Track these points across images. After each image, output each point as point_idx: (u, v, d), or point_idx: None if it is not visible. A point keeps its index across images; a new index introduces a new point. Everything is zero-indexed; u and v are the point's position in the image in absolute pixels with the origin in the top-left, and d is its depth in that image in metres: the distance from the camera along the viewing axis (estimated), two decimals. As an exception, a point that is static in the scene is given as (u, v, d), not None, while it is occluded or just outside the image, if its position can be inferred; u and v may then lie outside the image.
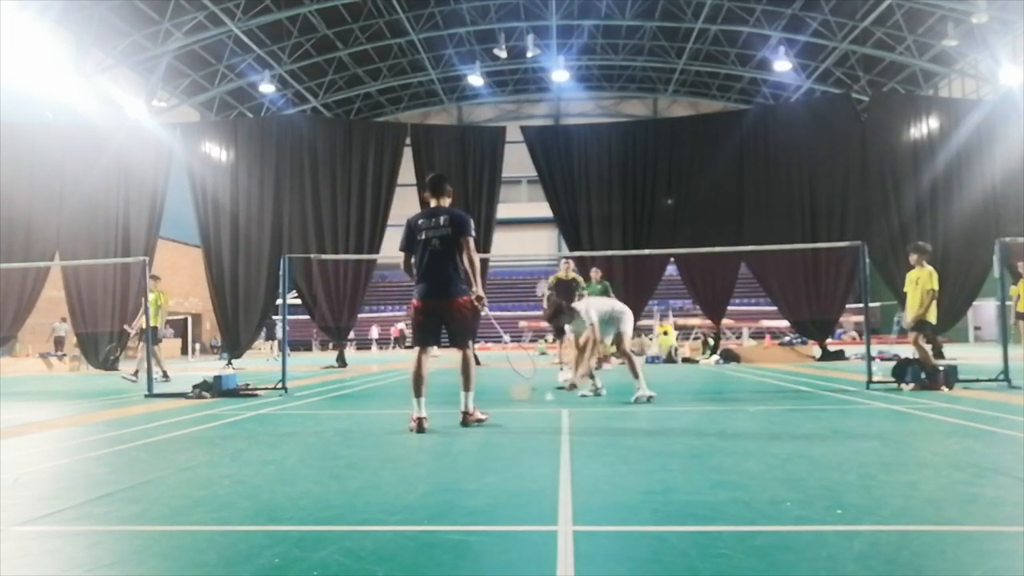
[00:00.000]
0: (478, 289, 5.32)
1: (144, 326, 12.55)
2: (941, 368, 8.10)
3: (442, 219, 5.31)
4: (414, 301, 5.36)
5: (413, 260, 5.41)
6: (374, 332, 38.29)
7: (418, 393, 5.20)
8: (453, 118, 44.27)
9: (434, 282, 5.28)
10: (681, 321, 19.73)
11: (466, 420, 5.38)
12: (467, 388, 5.42)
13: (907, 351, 9.12)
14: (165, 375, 12.24)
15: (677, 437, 4.82)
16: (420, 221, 5.38)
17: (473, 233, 5.35)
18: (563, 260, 12.18)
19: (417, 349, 5.37)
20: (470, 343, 5.54)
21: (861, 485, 3.18)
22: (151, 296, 12.58)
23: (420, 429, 5.07)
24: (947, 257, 14.24)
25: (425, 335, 5.37)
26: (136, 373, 12.35)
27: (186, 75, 31.85)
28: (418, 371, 5.24)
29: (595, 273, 12.85)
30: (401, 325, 36.51)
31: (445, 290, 5.27)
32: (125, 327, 13.93)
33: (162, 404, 7.62)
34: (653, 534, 2.48)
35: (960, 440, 4.49)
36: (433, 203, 5.46)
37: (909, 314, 8.46)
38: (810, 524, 2.56)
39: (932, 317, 8.30)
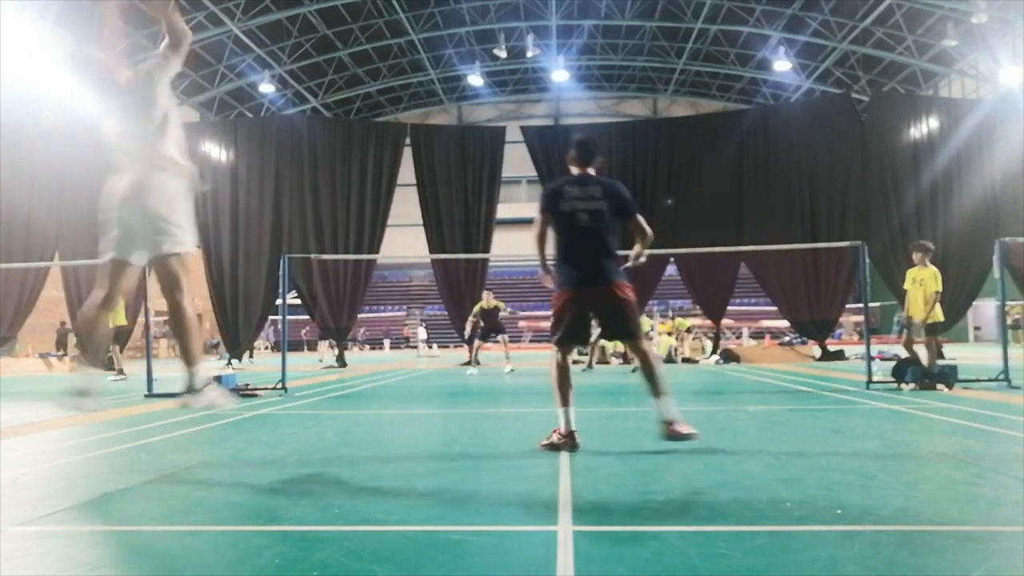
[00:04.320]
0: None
1: (117, 324, 12.68)
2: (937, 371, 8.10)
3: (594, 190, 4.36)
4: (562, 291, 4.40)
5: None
6: (422, 334, 33.79)
7: (567, 401, 4.25)
8: (453, 118, 44.26)
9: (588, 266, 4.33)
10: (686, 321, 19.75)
11: (672, 432, 4.10)
12: (659, 393, 4.20)
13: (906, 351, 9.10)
14: (121, 372, 12.51)
15: (677, 437, 4.82)
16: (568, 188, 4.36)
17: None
18: (484, 292, 13.93)
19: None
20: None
21: (861, 485, 3.18)
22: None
23: (574, 447, 4.16)
24: (947, 257, 14.22)
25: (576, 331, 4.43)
26: (121, 371, 12.46)
27: (186, 75, 31.84)
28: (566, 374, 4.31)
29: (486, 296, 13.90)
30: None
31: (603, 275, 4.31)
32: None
33: (162, 404, 7.62)
34: (653, 534, 2.48)
35: (960, 440, 4.48)
36: (576, 170, 4.45)
37: (914, 315, 8.44)
38: (810, 524, 2.56)
39: (941, 316, 8.33)
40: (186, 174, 3.64)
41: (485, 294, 13.80)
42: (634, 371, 12.89)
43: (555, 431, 4.23)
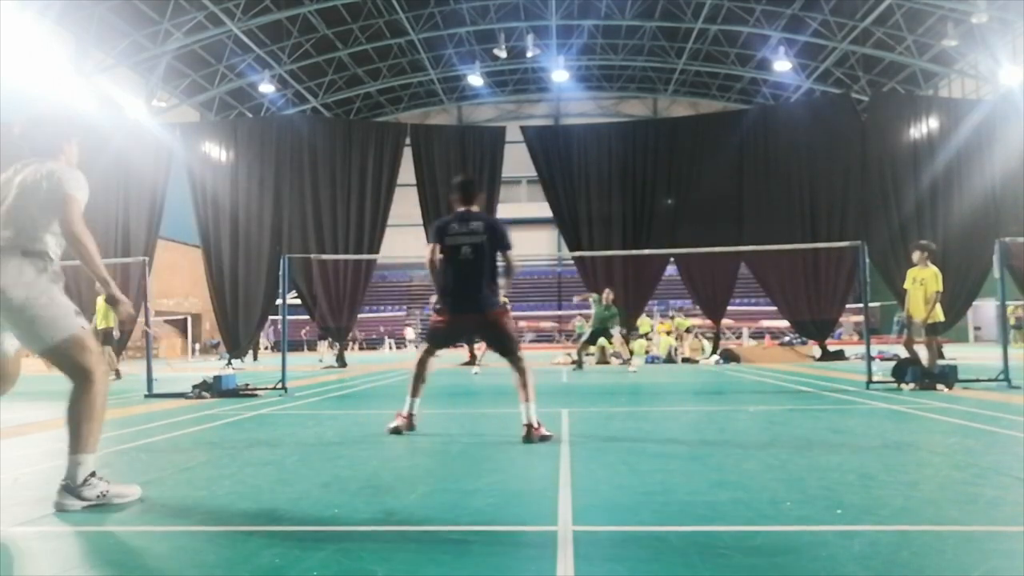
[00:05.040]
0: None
1: (106, 326, 12.64)
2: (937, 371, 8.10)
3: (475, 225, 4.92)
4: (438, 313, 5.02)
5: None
6: (410, 333, 35.92)
7: (417, 393, 5.01)
8: (453, 118, 44.27)
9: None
10: (686, 321, 19.78)
11: (530, 435, 4.56)
12: (527, 398, 4.72)
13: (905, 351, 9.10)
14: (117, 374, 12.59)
15: (677, 437, 4.82)
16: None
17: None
18: None
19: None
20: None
21: (861, 485, 3.18)
22: (100, 298, 12.70)
23: (411, 427, 4.92)
24: (947, 257, 14.23)
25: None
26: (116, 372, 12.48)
27: (186, 75, 31.85)
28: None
29: (608, 295, 13.78)
30: None
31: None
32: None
33: (162, 404, 7.62)
34: (653, 534, 2.48)
35: (960, 440, 4.49)
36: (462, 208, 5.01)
37: (915, 315, 8.43)
38: (810, 524, 2.56)
39: (941, 316, 8.33)
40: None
41: None
42: (634, 372, 12.99)
43: (398, 414, 4.91)
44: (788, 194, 16.10)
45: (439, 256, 4.93)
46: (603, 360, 16.46)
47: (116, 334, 13.00)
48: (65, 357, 2.96)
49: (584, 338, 14.57)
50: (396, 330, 41.12)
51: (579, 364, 14.22)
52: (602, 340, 15.01)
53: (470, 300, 4.83)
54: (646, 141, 17.08)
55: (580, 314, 22.70)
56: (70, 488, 2.94)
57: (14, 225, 2.98)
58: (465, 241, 4.81)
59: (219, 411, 6.82)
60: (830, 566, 2.09)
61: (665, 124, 20.53)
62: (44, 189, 3.02)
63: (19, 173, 3.12)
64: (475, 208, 4.98)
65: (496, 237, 4.86)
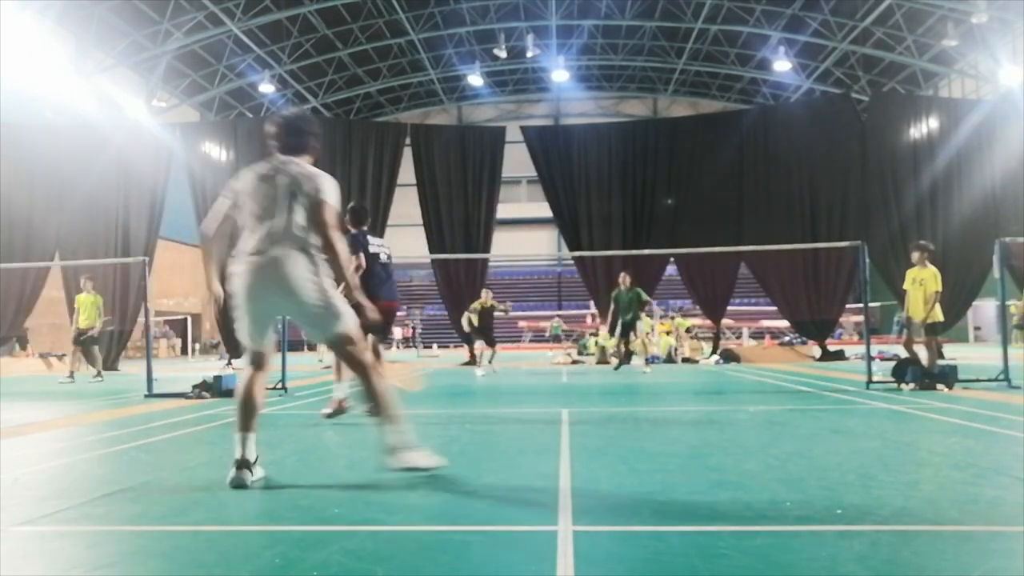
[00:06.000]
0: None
1: (88, 325, 12.36)
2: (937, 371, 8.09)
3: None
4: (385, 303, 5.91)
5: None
6: (398, 334, 36.17)
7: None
8: (453, 118, 44.27)
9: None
10: (685, 321, 19.78)
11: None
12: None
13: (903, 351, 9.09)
14: (99, 374, 12.27)
15: (677, 437, 4.82)
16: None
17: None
18: (484, 290, 14.09)
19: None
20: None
21: (861, 485, 3.18)
22: (89, 298, 12.49)
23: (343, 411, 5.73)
24: (947, 257, 14.21)
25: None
26: (71, 375, 12.08)
27: (186, 75, 31.85)
28: None
29: (623, 279, 13.50)
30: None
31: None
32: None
33: (162, 404, 7.62)
34: (653, 534, 2.48)
35: (960, 440, 4.48)
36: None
37: (914, 315, 8.43)
38: (810, 524, 2.56)
39: (940, 316, 8.33)
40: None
41: (484, 292, 13.93)
42: (615, 369, 13.13)
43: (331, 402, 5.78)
44: (788, 194, 16.10)
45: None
46: (603, 360, 16.46)
47: (96, 334, 12.63)
48: (343, 348, 3.50)
49: (617, 332, 14.06)
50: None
51: (622, 362, 13.86)
52: (602, 339, 14.98)
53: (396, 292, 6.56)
54: (646, 141, 17.08)
55: (558, 315, 22.69)
56: (394, 449, 3.41)
57: (296, 224, 3.40)
58: (380, 250, 6.24)
59: (219, 411, 6.83)
60: (830, 566, 2.09)
61: (665, 124, 20.54)
62: (309, 191, 3.40)
63: (280, 172, 3.50)
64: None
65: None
